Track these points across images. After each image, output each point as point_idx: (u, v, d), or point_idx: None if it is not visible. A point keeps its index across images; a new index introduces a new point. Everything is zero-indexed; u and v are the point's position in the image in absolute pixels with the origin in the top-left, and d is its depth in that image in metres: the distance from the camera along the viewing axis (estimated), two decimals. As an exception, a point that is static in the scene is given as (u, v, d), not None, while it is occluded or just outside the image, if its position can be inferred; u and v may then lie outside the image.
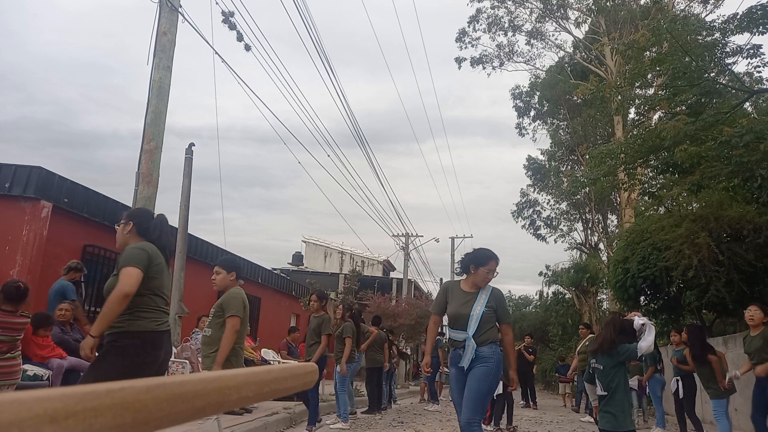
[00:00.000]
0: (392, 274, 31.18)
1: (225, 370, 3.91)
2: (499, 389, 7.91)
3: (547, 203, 26.14)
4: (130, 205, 6.61)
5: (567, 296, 26.61)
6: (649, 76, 11.04)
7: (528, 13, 22.94)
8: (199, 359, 7.28)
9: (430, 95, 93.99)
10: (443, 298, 4.19)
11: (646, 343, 3.87)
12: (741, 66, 15.31)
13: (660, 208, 12.21)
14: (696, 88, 9.24)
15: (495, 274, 4.06)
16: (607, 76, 17.68)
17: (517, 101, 26.21)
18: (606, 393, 4.03)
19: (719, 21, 8.61)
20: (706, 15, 16.94)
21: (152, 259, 3.05)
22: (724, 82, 9.80)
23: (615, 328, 4.09)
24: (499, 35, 23.57)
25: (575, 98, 19.37)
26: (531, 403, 13.36)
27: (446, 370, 11.97)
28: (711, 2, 18.22)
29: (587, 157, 14.94)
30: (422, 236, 26.12)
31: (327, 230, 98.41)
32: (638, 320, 3.99)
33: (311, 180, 76.95)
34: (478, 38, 23.79)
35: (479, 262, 4.03)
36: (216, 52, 8.29)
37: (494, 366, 3.87)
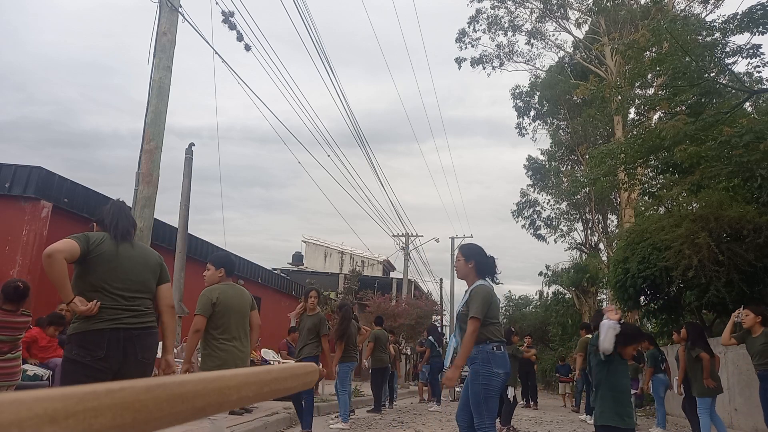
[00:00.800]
0: (392, 274, 31.19)
1: (208, 368, 3.92)
2: (510, 391, 7.89)
3: (547, 203, 26.18)
4: (130, 205, 6.60)
5: (567, 296, 26.63)
6: (649, 76, 11.04)
7: (528, 13, 22.97)
8: (199, 359, 7.28)
9: (430, 95, 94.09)
10: None
11: (600, 342, 3.71)
12: (741, 66, 15.30)
13: (660, 208, 12.21)
14: (696, 88, 9.24)
15: (457, 263, 4.06)
16: (607, 76, 17.68)
17: (517, 101, 26.24)
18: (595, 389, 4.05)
19: (719, 21, 8.61)
20: (706, 15, 16.96)
21: (91, 242, 2.91)
22: (724, 82, 9.80)
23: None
24: (499, 35, 23.61)
25: (575, 98, 19.39)
26: (531, 402, 13.37)
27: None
28: (711, 2, 18.23)
29: (587, 157, 14.95)
30: (422, 236, 26.14)
31: (327, 230, 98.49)
32: (606, 322, 3.82)
33: (311, 180, 77.00)
34: (478, 38, 23.81)
35: None
36: (216, 52, 8.29)
37: (480, 365, 3.77)
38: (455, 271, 4.13)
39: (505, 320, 39.83)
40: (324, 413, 8.36)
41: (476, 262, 4.01)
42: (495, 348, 3.82)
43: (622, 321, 3.74)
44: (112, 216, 3.10)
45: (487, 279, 4.04)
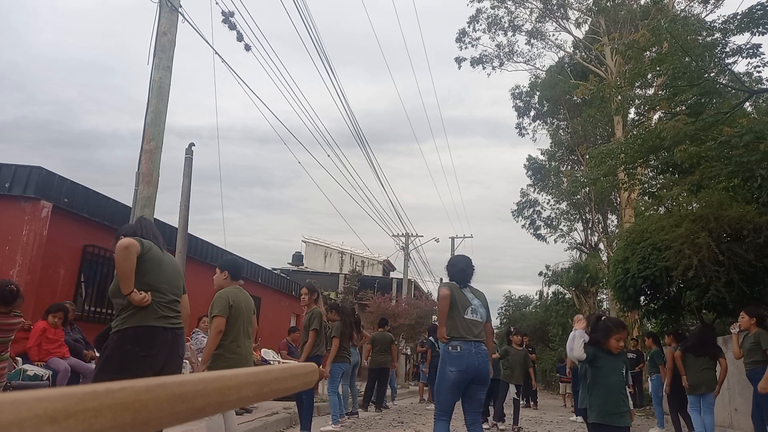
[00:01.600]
0: (392, 274, 31.17)
1: (218, 369, 3.96)
2: (513, 391, 8.26)
3: (547, 203, 26.16)
4: (130, 205, 6.60)
5: (567, 296, 26.61)
6: (649, 76, 11.02)
7: (528, 13, 22.96)
8: (200, 359, 7.28)
9: (430, 95, 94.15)
10: None
11: (569, 353, 3.93)
12: (741, 66, 15.30)
13: (660, 208, 12.20)
14: (696, 88, 9.23)
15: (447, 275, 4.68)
16: (607, 76, 17.67)
17: (517, 101, 26.23)
18: None
19: (719, 21, 8.60)
20: (706, 15, 16.97)
21: (145, 247, 3.15)
22: (724, 82, 9.79)
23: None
24: (498, 35, 23.60)
25: (575, 98, 19.38)
26: (531, 402, 13.37)
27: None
28: (711, 2, 18.23)
29: (587, 157, 14.94)
30: (422, 236, 26.11)
31: (327, 230, 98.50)
32: (572, 333, 3.94)
33: (311, 180, 76.97)
34: (478, 38, 23.81)
35: None
36: (216, 52, 8.28)
37: (440, 362, 4.33)
38: None
39: (505, 320, 39.84)
40: (324, 413, 8.36)
41: (447, 273, 4.61)
42: (452, 348, 4.18)
43: (604, 317, 4.00)
44: (145, 228, 3.39)
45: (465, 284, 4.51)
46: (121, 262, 2.99)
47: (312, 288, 6.35)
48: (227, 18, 7.79)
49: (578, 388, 11.21)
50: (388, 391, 11.72)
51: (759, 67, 8.86)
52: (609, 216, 24.75)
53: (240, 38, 7.96)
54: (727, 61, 9.06)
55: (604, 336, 3.76)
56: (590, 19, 21.59)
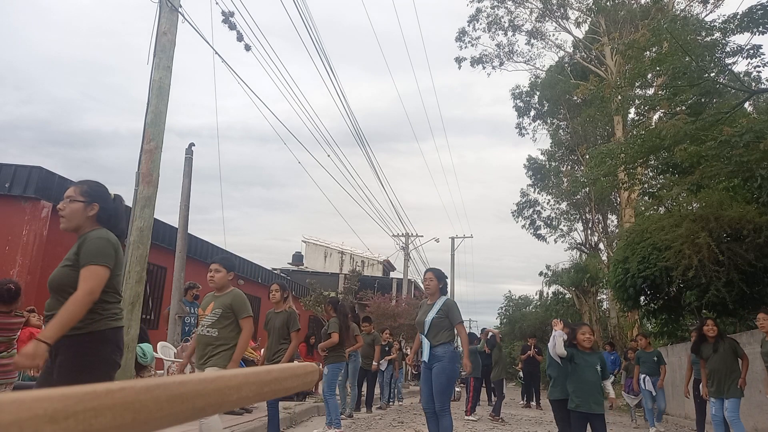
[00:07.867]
0: (392, 274, 31.17)
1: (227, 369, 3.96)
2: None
3: (548, 203, 26.15)
4: (130, 205, 6.59)
5: (567, 296, 26.60)
6: (649, 76, 11.02)
7: (528, 12, 22.96)
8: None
9: (430, 94, 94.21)
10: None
11: (551, 351, 4.68)
12: (741, 66, 15.29)
13: (660, 208, 12.20)
14: (696, 88, 9.23)
15: (430, 282, 5.07)
16: (607, 76, 17.67)
17: (517, 101, 26.22)
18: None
19: (719, 21, 8.61)
20: (706, 15, 16.96)
21: (118, 253, 2.77)
22: (724, 81, 9.79)
23: None
24: (498, 35, 23.61)
25: (575, 98, 19.37)
26: (533, 403, 13.37)
27: None
28: (711, 2, 18.23)
29: (587, 157, 14.93)
30: (422, 236, 26.08)
31: (327, 230, 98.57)
32: (553, 334, 4.72)
33: (311, 180, 76.98)
34: (478, 38, 23.82)
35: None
36: (216, 52, 8.27)
37: (447, 363, 4.76)
38: (426, 290, 5.14)
39: (505, 320, 39.87)
40: (323, 413, 8.35)
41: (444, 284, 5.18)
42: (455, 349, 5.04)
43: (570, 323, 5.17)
44: (122, 220, 2.96)
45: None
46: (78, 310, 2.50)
47: (284, 286, 5.84)
48: (227, 18, 7.78)
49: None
50: (380, 392, 11.71)
51: (759, 67, 8.86)
52: (609, 216, 24.74)
53: (240, 38, 7.96)
54: (727, 61, 9.06)
55: (573, 336, 4.67)
56: (590, 19, 21.59)
